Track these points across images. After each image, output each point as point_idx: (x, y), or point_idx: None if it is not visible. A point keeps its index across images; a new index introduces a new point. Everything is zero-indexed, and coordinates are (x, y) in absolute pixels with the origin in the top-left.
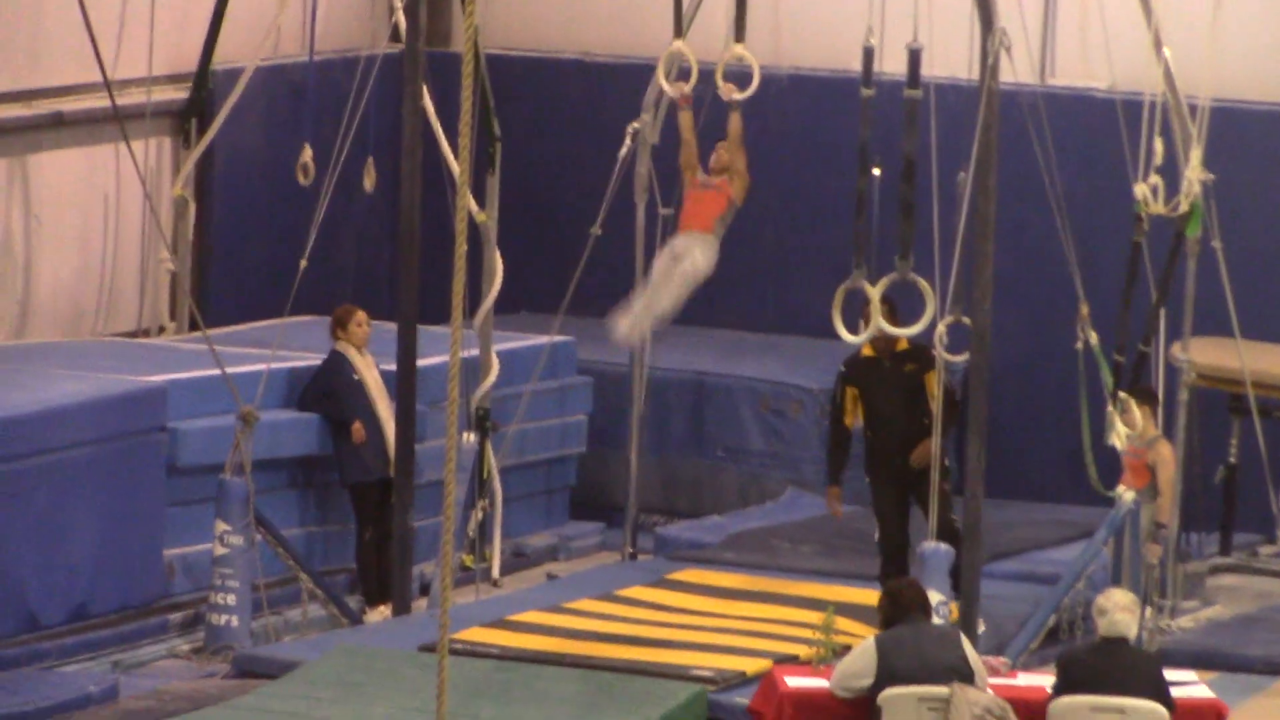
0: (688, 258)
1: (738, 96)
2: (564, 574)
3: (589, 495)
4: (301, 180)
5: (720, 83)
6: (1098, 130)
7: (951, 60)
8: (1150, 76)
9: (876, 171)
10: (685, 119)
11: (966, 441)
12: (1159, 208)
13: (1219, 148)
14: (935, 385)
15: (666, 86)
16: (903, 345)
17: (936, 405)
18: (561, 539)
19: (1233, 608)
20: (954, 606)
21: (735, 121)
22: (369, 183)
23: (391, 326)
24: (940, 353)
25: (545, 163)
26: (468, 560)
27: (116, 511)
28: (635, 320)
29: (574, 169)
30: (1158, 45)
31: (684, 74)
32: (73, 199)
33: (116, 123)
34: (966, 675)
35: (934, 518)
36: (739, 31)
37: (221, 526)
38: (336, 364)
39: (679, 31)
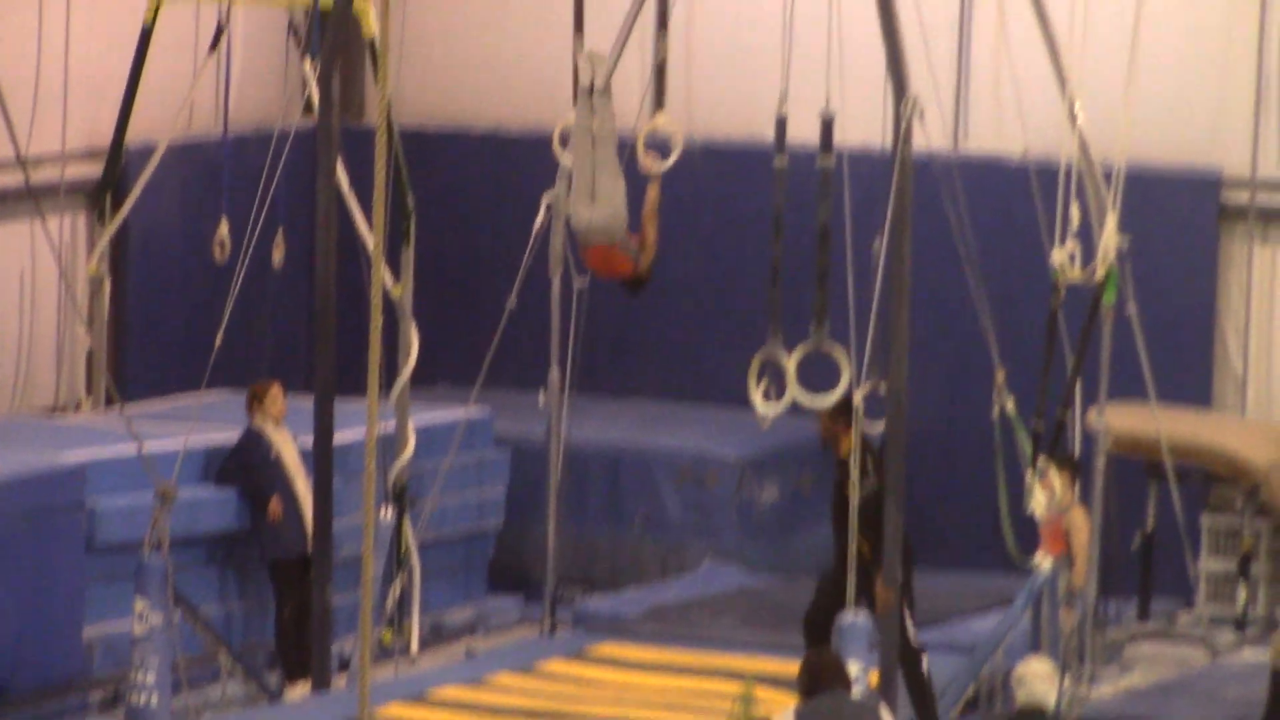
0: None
1: (657, 170)
2: (484, 648)
3: (508, 568)
4: (218, 256)
5: (641, 154)
6: (1012, 196)
7: (865, 127)
8: (1063, 142)
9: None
10: None
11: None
12: (1076, 274)
13: (1133, 212)
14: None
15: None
16: (845, 451)
17: (851, 515)
18: (480, 613)
19: (1151, 675)
20: (873, 675)
21: (653, 193)
22: (278, 257)
23: (308, 401)
24: (858, 418)
25: (460, 235)
26: (387, 636)
27: (36, 589)
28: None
29: (489, 241)
30: (1072, 109)
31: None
32: None
33: (31, 200)
34: None
35: (851, 589)
36: (659, 100)
37: (141, 604)
38: (253, 440)
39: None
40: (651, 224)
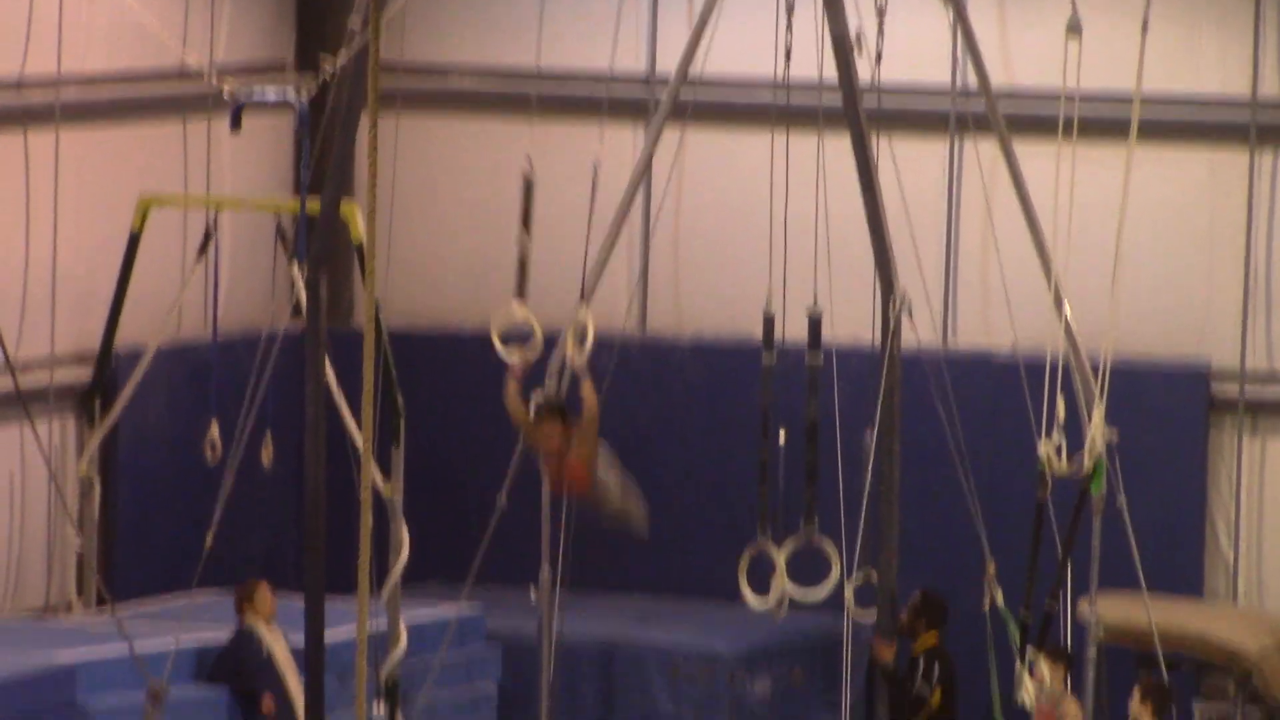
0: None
1: (579, 364)
2: None
3: None
4: (209, 457)
5: (571, 349)
6: (1001, 390)
7: (854, 323)
8: (1051, 336)
9: (781, 439)
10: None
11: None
12: (1062, 466)
13: (1123, 404)
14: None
15: (500, 349)
16: (917, 649)
17: None
18: None
19: None
20: None
21: (588, 392)
22: (266, 458)
23: (299, 600)
24: (852, 612)
25: (449, 435)
26: None
27: None
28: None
29: (478, 440)
30: (1058, 304)
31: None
32: None
33: (20, 404)
34: None
35: None
36: (520, 290)
37: None
38: (245, 638)
39: (520, 292)
40: (589, 431)
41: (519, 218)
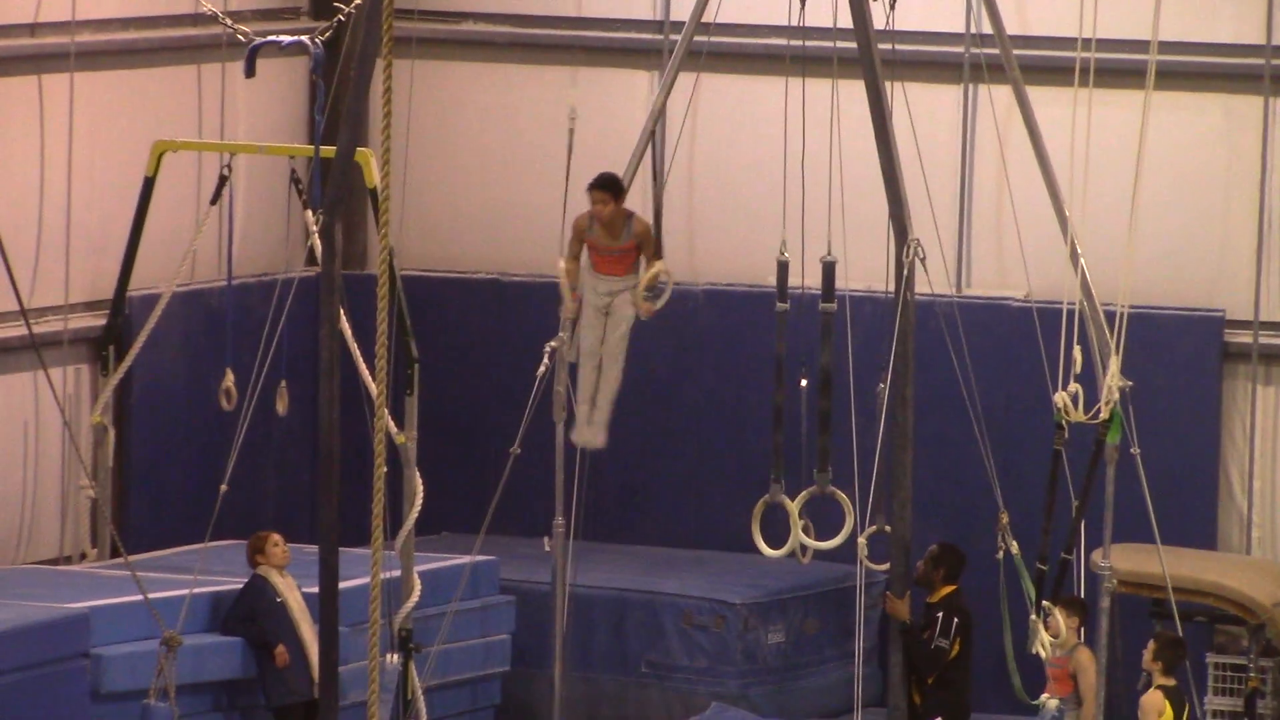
0: (615, 312)
1: (657, 306)
2: None
3: (514, 714)
4: (224, 405)
5: (639, 301)
6: (1015, 339)
7: (867, 272)
8: (1066, 285)
9: (803, 382)
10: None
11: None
12: (1079, 416)
13: (1137, 352)
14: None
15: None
16: (933, 598)
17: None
18: None
19: None
20: None
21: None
22: (281, 406)
23: (313, 549)
24: (865, 562)
25: (464, 383)
26: None
27: None
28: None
29: (492, 388)
30: (1074, 254)
31: None
32: None
33: (34, 351)
34: None
35: None
36: (658, 250)
37: None
38: (259, 587)
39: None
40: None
41: (652, 172)
